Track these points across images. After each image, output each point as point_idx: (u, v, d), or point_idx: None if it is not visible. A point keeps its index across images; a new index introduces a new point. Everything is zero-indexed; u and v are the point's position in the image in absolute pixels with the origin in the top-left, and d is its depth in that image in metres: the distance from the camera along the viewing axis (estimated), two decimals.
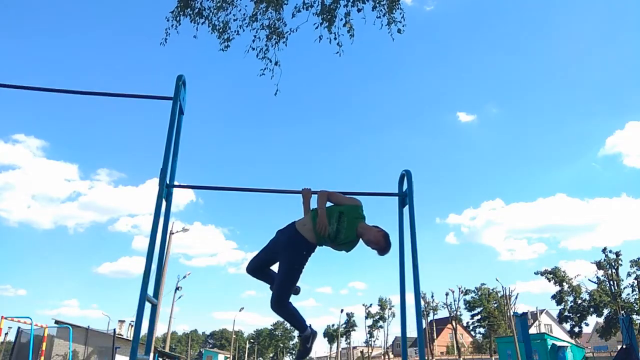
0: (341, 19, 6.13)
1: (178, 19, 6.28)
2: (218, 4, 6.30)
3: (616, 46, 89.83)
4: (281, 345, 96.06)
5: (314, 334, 3.49)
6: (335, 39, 6.15)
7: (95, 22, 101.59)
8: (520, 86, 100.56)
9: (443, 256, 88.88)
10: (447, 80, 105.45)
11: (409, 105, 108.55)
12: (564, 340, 26.76)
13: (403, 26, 6.10)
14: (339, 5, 6.06)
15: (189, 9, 6.25)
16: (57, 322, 23.24)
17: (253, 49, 6.43)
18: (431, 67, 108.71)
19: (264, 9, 6.27)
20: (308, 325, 3.48)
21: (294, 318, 3.46)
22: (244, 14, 6.40)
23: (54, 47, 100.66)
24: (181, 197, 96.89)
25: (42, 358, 14.77)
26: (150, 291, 3.07)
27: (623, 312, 37.28)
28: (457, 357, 51.31)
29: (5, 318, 13.13)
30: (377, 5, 6.04)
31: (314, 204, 3.65)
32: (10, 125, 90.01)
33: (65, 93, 3.89)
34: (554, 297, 47.07)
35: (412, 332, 5.00)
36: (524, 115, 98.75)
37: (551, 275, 46.71)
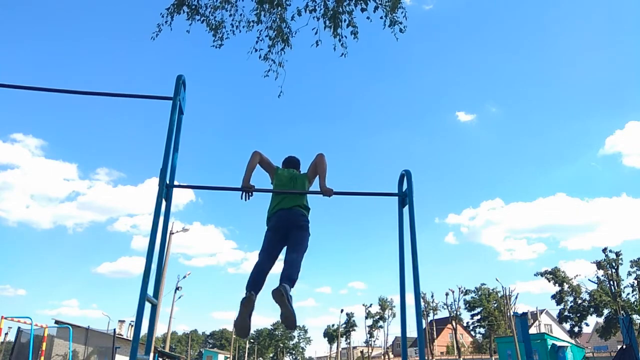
0: (344, 20, 6.12)
1: (173, 15, 6.24)
2: (216, 3, 6.28)
3: (617, 45, 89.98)
4: (281, 345, 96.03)
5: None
6: (339, 41, 6.14)
7: (95, 22, 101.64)
8: (520, 85, 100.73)
9: (442, 256, 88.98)
10: (446, 79, 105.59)
11: (409, 105, 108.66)
12: (564, 340, 26.75)
13: (404, 27, 6.09)
14: (344, 9, 6.02)
15: (185, 7, 6.22)
16: (57, 322, 23.24)
17: (256, 50, 6.43)
18: (430, 66, 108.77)
19: (268, 10, 6.24)
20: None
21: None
22: (242, 14, 6.40)
23: (54, 47, 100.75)
24: (181, 197, 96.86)
25: (42, 358, 14.77)
26: (150, 291, 3.07)
27: (623, 312, 37.29)
28: (457, 357, 51.30)
29: (5, 318, 13.15)
30: (380, 5, 6.02)
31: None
32: (9, 125, 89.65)
33: (65, 93, 3.89)
34: (554, 297, 47.11)
35: (412, 332, 5.02)
36: (523, 115, 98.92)
37: (551, 276, 46.72)
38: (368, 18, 5.99)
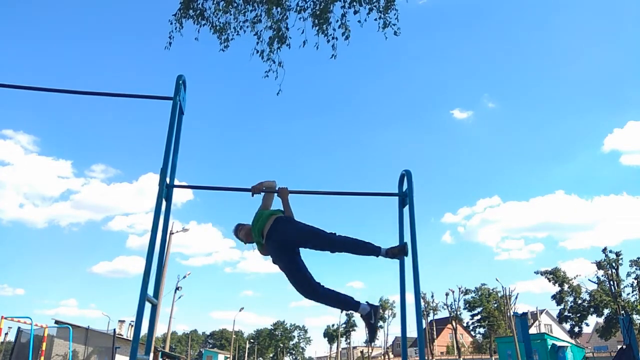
0: (337, 20, 6.14)
1: (181, 21, 6.30)
2: (219, 5, 6.32)
3: (619, 42, 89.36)
4: (281, 345, 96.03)
5: (375, 308, 3.51)
6: (328, 42, 6.16)
7: (95, 22, 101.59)
8: (518, 81, 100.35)
9: (440, 256, 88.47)
10: (442, 76, 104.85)
11: (405, 103, 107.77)
12: (564, 340, 26.75)
13: (398, 29, 6.13)
14: (332, 8, 6.04)
15: (191, 10, 6.26)
16: (57, 322, 23.24)
17: (257, 51, 6.45)
18: (425, 62, 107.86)
19: (267, 10, 6.26)
20: (360, 302, 3.52)
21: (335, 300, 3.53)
22: (245, 14, 6.42)
23: (53, 46, 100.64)
24: (179, 196, 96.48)
25: (42, 358, 14.76)
26: (150, 291, 3.06)
27: (623, 312, 37.29)
28: (457, 357, 51.30)
29: (5, 318, 13.14)
30: (373, 8, 6.04)
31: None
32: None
33: (66, 93, 3.89)
34: (554, 297, 47.08)
35: (412, 332, 5.00)
36: (522, 112, 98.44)
37: (551, 276, 46.72)
38: (359, 22, 6.03)
